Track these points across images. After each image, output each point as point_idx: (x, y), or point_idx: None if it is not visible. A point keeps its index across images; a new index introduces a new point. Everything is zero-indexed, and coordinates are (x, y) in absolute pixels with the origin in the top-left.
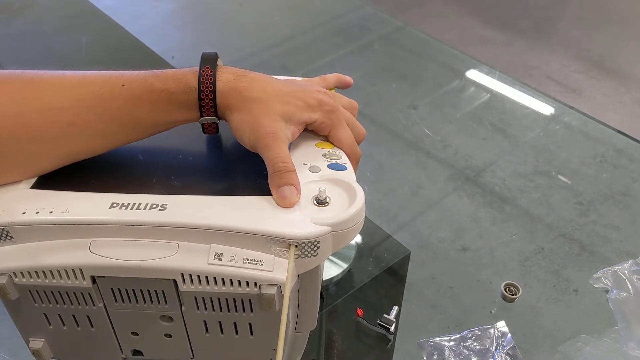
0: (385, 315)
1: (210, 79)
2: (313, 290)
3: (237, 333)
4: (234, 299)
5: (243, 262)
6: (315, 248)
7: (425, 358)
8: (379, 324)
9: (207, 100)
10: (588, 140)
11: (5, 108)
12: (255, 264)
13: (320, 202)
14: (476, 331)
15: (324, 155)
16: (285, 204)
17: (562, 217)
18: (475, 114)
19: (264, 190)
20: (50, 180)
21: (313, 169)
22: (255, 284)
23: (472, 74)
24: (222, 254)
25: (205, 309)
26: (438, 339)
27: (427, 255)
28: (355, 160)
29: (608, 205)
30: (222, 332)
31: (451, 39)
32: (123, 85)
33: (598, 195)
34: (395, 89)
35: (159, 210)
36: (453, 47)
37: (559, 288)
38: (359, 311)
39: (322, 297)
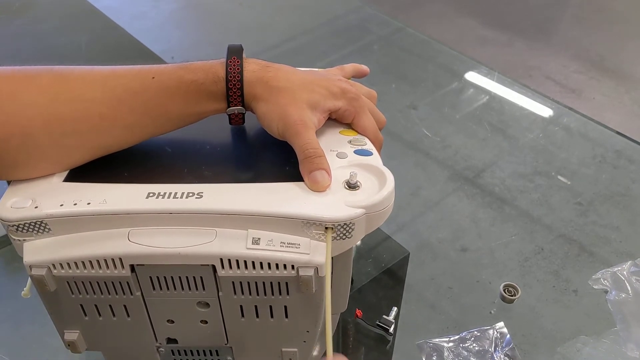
0: (384, 316)
1: (238, 69)
2: (345, 272)
3: (272, 316)
4: (271, 282)
5: (280, 246)
6: (350, 230)
7: (424, 359)
8: (378, 324)
9: (235, 90)
10: (587, 141)
11: (36, 101)
12: (292, 247)
13: (352, 185)
14: (475, 332)
15: (350, 142)
16: (318, 188)
17: (562, 217)
18: (475, 114)
19: (295, 176)
20: (81, 174)
21: (340, 155)
22: (293, 266)
23: (472, 75)
24: (259, 239)
25: (242, 293)
26: (437, 339)
27: (427, 255)
28: (378, 146)
29: (607, 206)
30: (257, 316)
31: (451, 39)
32: (153, 77)
33: (597, 196)
34: (395, 89)
35: (196, 198)
36: (453, 47)
37: (559, 289)
38: (358, 312)
39: (352, 279)
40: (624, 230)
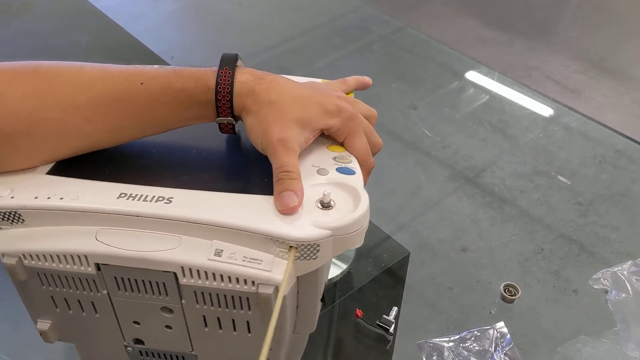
0: (384, 316)
1: (228, 80)
2: (312, 293)
3: (235, 330)
4: (232, 296)
5: (242, 260)
6: (315, 251)
7: (424, 359)
8: (378, 324)
9: (224, 101)
10: (587, 141)
11: (19, 104)
12: (254, 262)
13: (325, 205)
14: (475, 332)
15: (334, 158)
16: (285, 209)
17: (562, 217)
18: (475, 114)
19: (272, 190)
20: (66, 167)
21: (321, 172)
22: (253, 282)
23: (472, 75)
24: (222, 251)
25: (205, 303)
26: (437, 339)
27: (427, 255)
28: (366, 170)
29: (608, 205)
30: (220, 328)
31: (451, 39)
32: (142, 83)
33: (598, 195)
34: (395, 89)
35: (165, 203)
36: (453, 47)
37: (559, 289)
38: (359, 312)
39: (323, 299)
40: (624, 230)
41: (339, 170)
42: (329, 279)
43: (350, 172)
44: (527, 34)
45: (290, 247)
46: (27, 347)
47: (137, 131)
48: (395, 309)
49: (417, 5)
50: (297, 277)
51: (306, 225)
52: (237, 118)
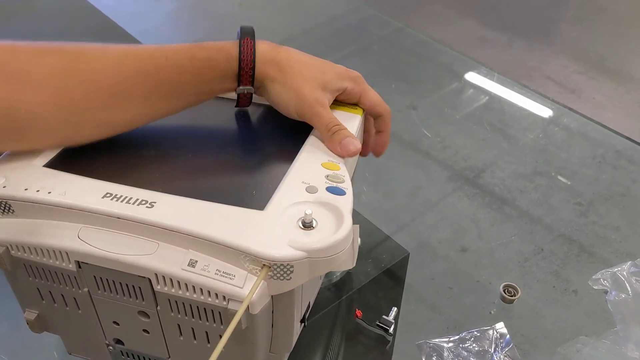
0: (384, 317)
1: (251, 50)
2: (287, 313)
3: (209, 342)
4: (204, 308)
5: (215, 273)
6: (289, 272)
7: (424, 359)
8: (378, 325)
9: (247, 69)
10: (587, 141)
11: (46, 75)
12: (226, 277)
13: (306, 225)
14: (475, 332)
15: (327, 176)
16: (352, 152)
17: (562, 218)
18: (475, 115)
19: (259, 204)
20: (63, 161)
21: (310, 189)
22: (224, 297)
23: (472, 75)
24: (196, 262)
25: (179, 312)
26: (437, 340)
27: (427, 256)
28: (389, 117)
29: (607, 206)
30: (195, 339)
31: (451, 40)
32: (167, 57)
33: (597, 196)
34: (394, 90)
35: (146, 207)
36: (453, 48)
37: (559, 289)
38: (358, 312)
39: (304, 320)
40: (624, 230)
41: (329, 189)
42: (328, 279)
43: (340, 192)
44: (527, 34)
45: (263, 265)
46: (27, 348)
47: (162, 105)
48: (394, 309)
49: (416, 6)
50: (272, 296)
51: (282, 244)
52: (256, 88)
